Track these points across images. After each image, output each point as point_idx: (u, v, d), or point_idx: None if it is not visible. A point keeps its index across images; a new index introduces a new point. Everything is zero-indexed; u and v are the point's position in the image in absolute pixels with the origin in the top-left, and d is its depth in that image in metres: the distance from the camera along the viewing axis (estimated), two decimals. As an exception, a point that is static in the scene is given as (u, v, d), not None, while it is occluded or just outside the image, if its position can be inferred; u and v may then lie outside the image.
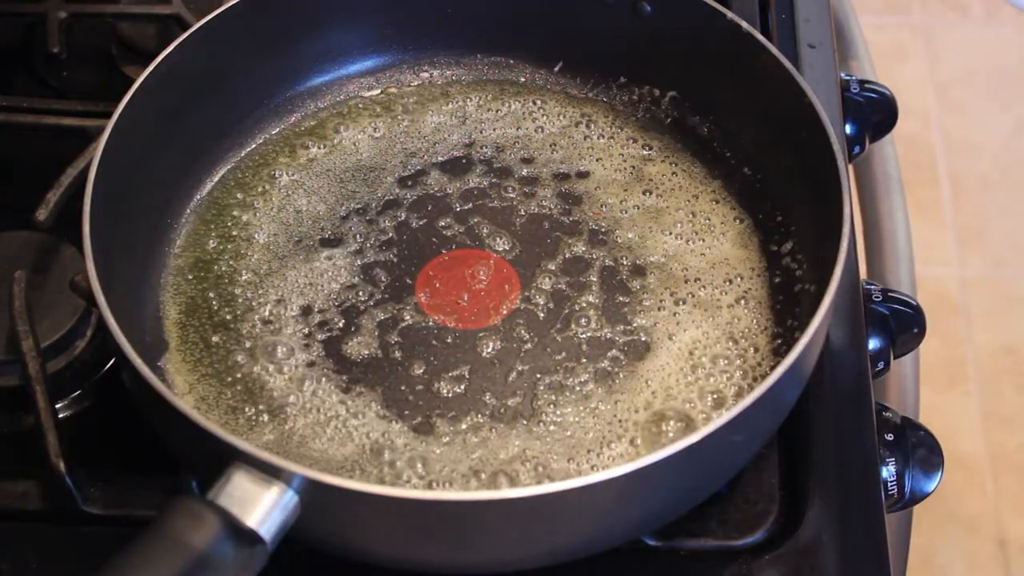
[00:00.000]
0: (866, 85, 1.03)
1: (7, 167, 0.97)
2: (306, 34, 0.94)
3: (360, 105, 0.96)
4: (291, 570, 0.73)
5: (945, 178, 2.18)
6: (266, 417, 0.78)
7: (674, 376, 0.80)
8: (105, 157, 0.78)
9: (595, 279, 0.85)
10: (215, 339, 0.82)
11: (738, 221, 0.88)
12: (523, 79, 0.97)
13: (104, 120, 0.80)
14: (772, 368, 0.77)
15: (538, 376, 0.80)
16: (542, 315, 0.83)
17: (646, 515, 0.71)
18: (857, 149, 1.02)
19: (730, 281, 0.84)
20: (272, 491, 0.63)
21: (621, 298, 0.84)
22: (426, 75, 0.98)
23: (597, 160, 0.92)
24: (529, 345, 0.82)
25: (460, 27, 0.96)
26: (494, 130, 0.94)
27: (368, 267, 0.86)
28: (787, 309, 0.82)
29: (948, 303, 2.02)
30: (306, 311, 0.83)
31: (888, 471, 0.80)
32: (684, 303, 0.83)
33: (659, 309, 0.83)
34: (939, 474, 0.84)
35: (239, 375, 0.80)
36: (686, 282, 0.85)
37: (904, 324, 0.90)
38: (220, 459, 0.64)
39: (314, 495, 0.64)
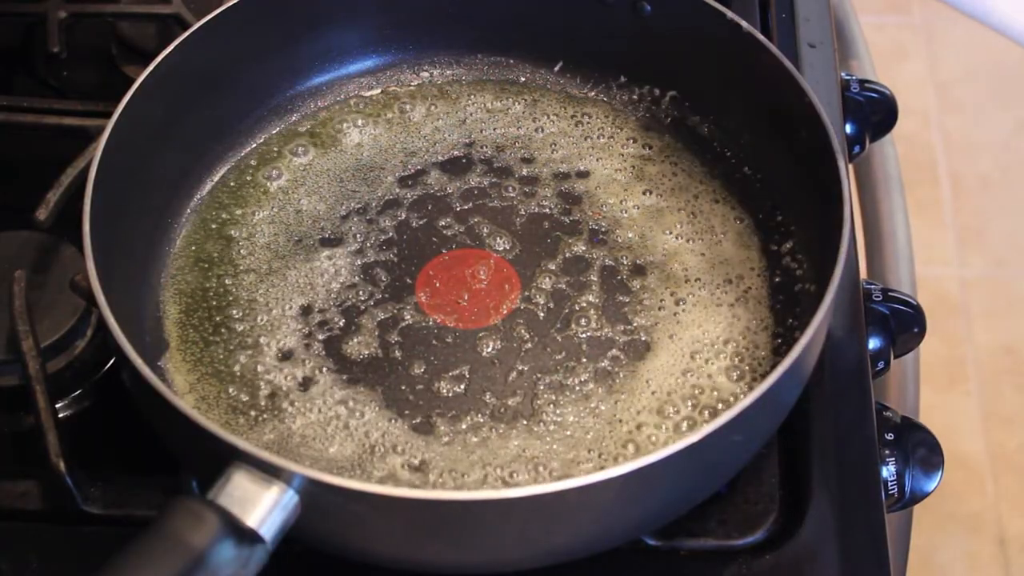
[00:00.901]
0: (866, 85, 1.03)
1: (7, 167, 0.97)
2: (306, 34, 0.94)
3: (360, 105, 0.96)
4: (291, 570, 0.73)
5: (945, 178, 2.18)
6: (266, 417, 0.78)
7: (674, 376, 0.80)
8: (105, 157, 0.78)
9: (595, 279, 0.85)
10: (215, 339, 0.82)
11: (738, 221, 0.88)
12: (523, 79, 0.97)
13: (104, 120, 0.80)
14: (772, 368, 0.76)
15: (538, 376, 0.80)
16: (542, 315, 0.83)
17: (646, 515, 0.71)
18: (857, 149, 1.02)
19: (730, 281, 0.84)
20: (272, 491, 0.63)
21: (621, 298, 0.84)
22: (426, 75, 0.97)
23: (597, 160, 0.92)
24: (529, 345, 0.82)
25: (460, 27, 0.96)
26: (494, 130, 0.94)
27: (368, 267, 0.86)
28: (787, 309, 0.82)
29: (948, 303, 2.02)
30: (306, 311, 0.84)
31: (888, 471, 0.80)
32: (684, 303, 0.83)
33: (659, 309, 0.83)
34: (939, 474, 0.84)
35: (239, 375, 0.80)
36: (686, 282, 0.85)
37: (904, 324, 0.90)
38: (220, 459, 0.64)
39: (314, 495, 0.64)
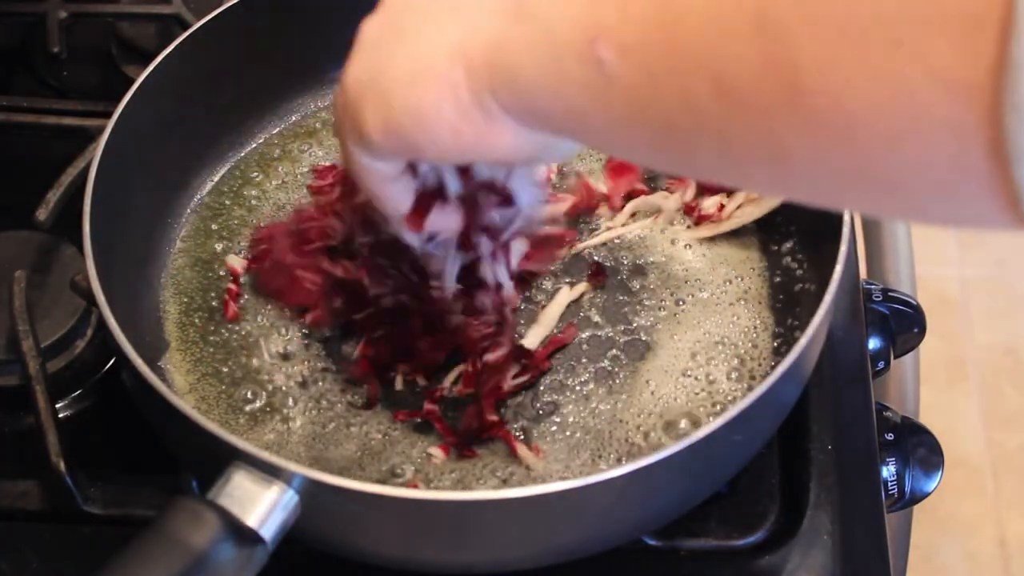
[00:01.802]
0: (866, 85, 1.03)
1: (7, 167, 0.97)
2: (306, 34, 0.94)
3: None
4: (291, 570, 0.73)
5: (945, 178, 2.18)
6: (266, 417, 0.78)
7: (675, 376, 0.80)
8: (105, 157, 0.78)
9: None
10: (215, 339, 0.82)
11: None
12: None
13: (104, 120, 0.80)
14: (772, 368, 0.77)
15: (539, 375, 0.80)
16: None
17: (646, 515, 0.71)
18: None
19: (730, 281, 0.84)
20: (272, 491, 0.63)
21: (621, 298, 0.84)
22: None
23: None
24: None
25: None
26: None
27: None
28: (787, 309, 0.82)
29: (948, 303, 2.02)
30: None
31: (888, 471, 0.80)
32: (684, 303, 0.83)
33: (659, 309, 0.83)
34: (939, 474, 0.84)
35: (239, 375, 0.80)
36: (686, 282, 0.85)
37: (904, 324, 0.90)
38: (220, 459, 0.64)
39: (314, 495, 0.64)
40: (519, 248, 0.76)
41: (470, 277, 0.76)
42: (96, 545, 0.75)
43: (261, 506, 0.63)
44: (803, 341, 0.70)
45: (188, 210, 0.90)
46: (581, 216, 0.88)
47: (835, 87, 0.40)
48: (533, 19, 0.51)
